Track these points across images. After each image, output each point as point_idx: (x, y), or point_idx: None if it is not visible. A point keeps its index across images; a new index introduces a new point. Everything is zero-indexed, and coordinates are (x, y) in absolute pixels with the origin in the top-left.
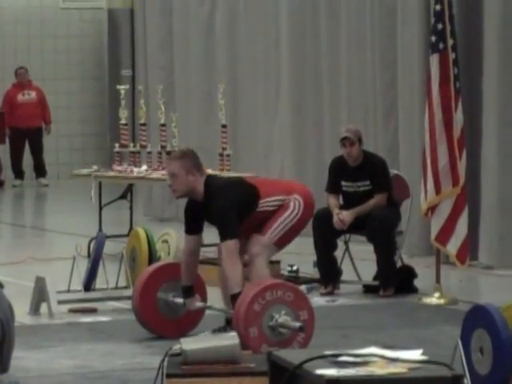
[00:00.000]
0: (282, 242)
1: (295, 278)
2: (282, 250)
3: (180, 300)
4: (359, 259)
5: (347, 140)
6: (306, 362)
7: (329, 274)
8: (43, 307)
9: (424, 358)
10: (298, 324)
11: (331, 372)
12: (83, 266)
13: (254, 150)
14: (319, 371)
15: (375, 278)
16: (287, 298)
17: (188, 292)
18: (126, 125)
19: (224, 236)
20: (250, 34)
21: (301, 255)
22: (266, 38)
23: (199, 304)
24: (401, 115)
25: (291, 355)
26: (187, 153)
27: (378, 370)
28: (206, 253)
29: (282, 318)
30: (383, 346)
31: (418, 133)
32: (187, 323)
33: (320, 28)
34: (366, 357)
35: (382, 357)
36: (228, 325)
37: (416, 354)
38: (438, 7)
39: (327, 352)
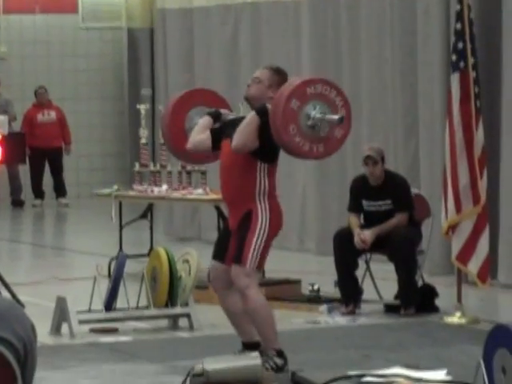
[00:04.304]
0: (262, 262)
1: (316, 298)
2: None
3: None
4: (380, 278)
5: (370, 159)
6: (330, 382)
7: (350, 294)
8: (64, 327)
9: (448, 378)
10: (337, 116)
11: None
12: (104, 286)
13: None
14: None
15: (396, 298)
16: (324, 93)
17: (218, 117)
18: (146, 144)
19: None
20: (273, 55)
21: (322, 274)
22: (288, 59)
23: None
24: (421, 134)
25: (315, 375)
26: (282, 72)
27: None
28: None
29: (320, 112)
30: (405, 365)
31: (438, 152)
32: None
33: (341, 47)
34: (391, 377)
35: (407, 377)
36: (246, 349)
37: (440, 375)
38: (458, 26)
39: (351, 372)
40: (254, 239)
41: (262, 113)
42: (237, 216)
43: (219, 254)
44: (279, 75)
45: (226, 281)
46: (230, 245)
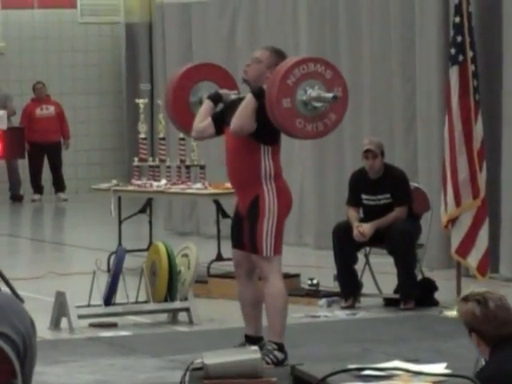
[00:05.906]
0: (278, 246)
1: (315, 292)
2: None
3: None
4: (379, 272)
5: (370, 152)
6: (329, 375)
7: (349, 288)
8: (63, 322)
9: (448, 371)
10: (331, 94)
11: None
12: (103, 281)
13: None
14: None
15: (396, 291)
16: (321, 73)
17: (218, 99)
18: (145, 139)
19: None
20: None
21: (321, 269)
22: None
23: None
24: (420, 128)
25: (314, 369)
26: (281, 53)
27: None
28: (225, 266)
29: (316, 91)
30: (405, 359)
31: (437, 145)
32: None
33: (340, 41)
34: (390, 371)
35: (406, 370)
36: (248, 341)
37: (440, 368)
38: (457, 19)
39: (351, 366)
40: (265, 225)
41: (259, 95)
42: (245, 201)
43: (236, 241)
44: (278, 56)
45: (248, 267)
46: (244, 231)
